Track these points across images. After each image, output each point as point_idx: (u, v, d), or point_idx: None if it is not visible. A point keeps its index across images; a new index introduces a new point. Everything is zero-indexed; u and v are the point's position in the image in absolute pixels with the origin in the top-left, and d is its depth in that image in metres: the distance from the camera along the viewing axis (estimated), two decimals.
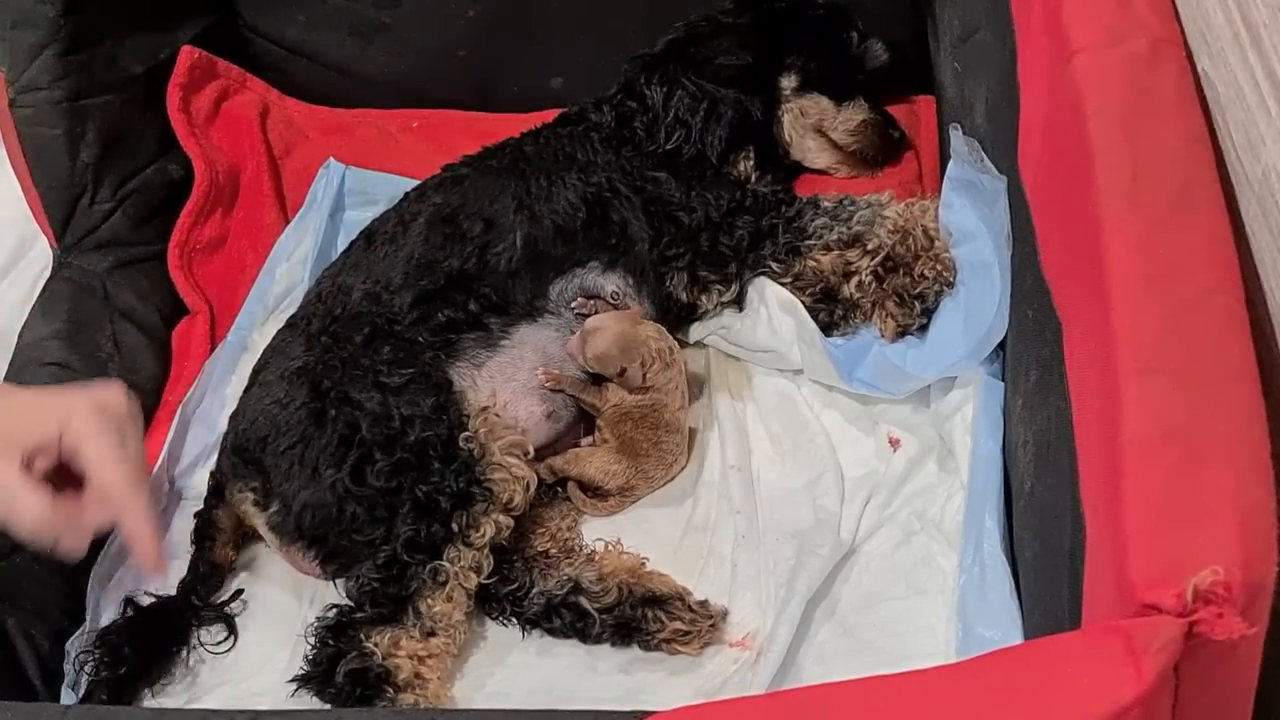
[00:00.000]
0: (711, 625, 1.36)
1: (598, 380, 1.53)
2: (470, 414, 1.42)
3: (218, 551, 1.47)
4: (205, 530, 1.48)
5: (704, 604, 1.38)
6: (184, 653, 1.41)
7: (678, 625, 1.36)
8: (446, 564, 1.35)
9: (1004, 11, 1.32)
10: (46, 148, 1.64)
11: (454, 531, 1.36)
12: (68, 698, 1.37)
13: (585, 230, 1.57)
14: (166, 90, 1.75)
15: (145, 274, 1.71)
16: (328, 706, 1.32)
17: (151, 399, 1.63)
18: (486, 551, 1.37)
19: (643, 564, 1.43)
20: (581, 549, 1.47)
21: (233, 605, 1.46)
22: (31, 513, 1.13)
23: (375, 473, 1.38)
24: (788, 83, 1.75)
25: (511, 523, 1.40)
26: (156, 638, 1.40)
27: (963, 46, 1.54)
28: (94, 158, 1.66)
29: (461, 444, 1.39)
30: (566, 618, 1.39)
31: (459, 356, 1.49)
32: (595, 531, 1.49)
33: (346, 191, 1.83)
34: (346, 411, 1.41)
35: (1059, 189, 1.12)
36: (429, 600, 1.35)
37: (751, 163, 1.71)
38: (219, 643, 1.43)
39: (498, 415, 1.44)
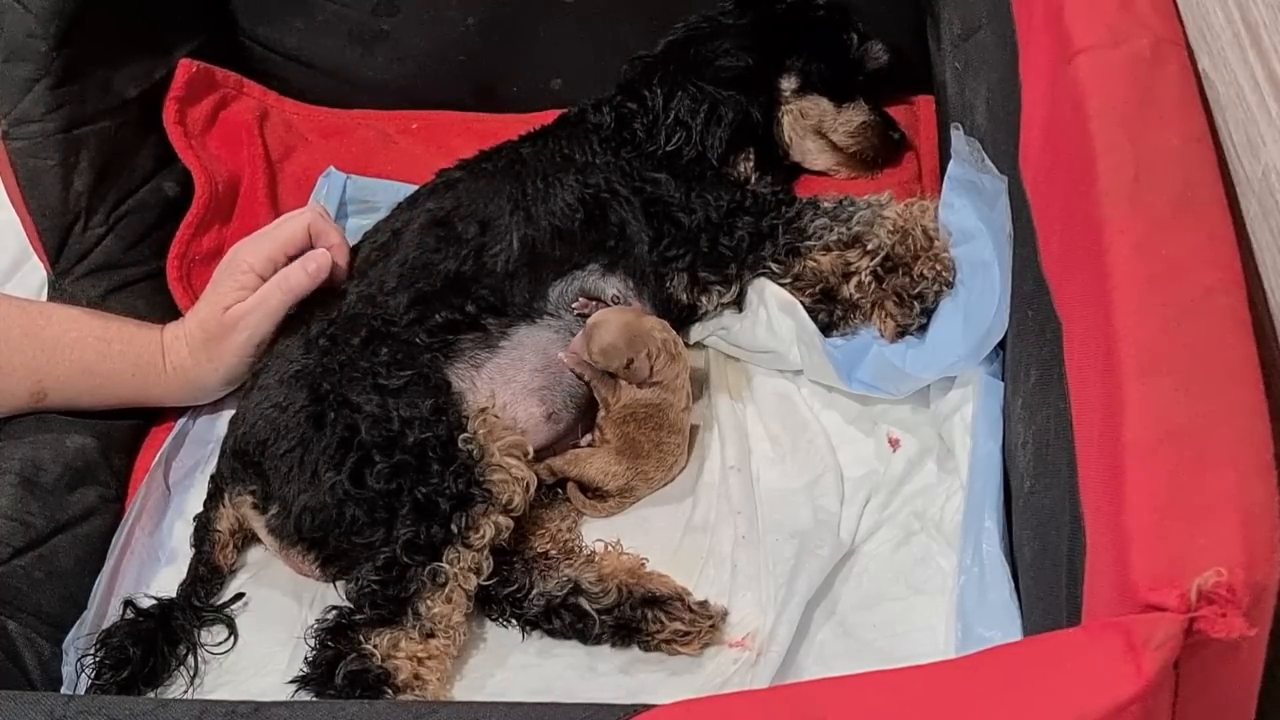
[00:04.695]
0: (711, 625, 1.36)
1: (612, 376, 1.52)
2: (469, 415, 1.42)
3: (217, 554, 1.47)
4: (204, 533, 1.48)
5: (704, 604, 1.38)
6: (185, 653, 1.41)
7: (677, 626, 1.36)
8: (446, 565, 1.35)
9: (1005, 11, 1.32)
10: (40, 178, 1.63)
11: (453, 533, 1.36)
12: None
13: (583, 232, 1.57)
14: (163, 106, 1.73)
15: (140, 295, 1.70)
16: None
17: (151, 412, 1.63)
18: (486, 553, 1.37)
19: (642, 564, 1.43)
20: (581, 550, 1.46)
21: (233, 607, 1.46)
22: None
23: (374, 475, 1.38)
24: (787, 84, 1.75)
25: (511, 524, 1.40)
26: (157, 639, 1.40)
27: (963, 46, 1.53)
28: (88, 185, 1.65)
29: (460, 445, 1.39)
30: (566, 619, 1.39)
31: (458, 358, 1.49)
32: (595, 532, 1.49)
33: (347, 199, 1.83)
34: (345, 414, 1.41)
35: (1060, 189, 1.12)
36: (428, 602, 1.34)
37: (751, 164, 1.70)
38: (219, 643, 1.43)
39: (497, 416, 1.44)
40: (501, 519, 1.38)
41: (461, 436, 1.39)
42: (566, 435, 1.55)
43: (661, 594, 1.38)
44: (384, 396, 1.41)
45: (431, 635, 1.34)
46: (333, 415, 1.41)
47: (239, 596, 1.47)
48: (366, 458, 1.38)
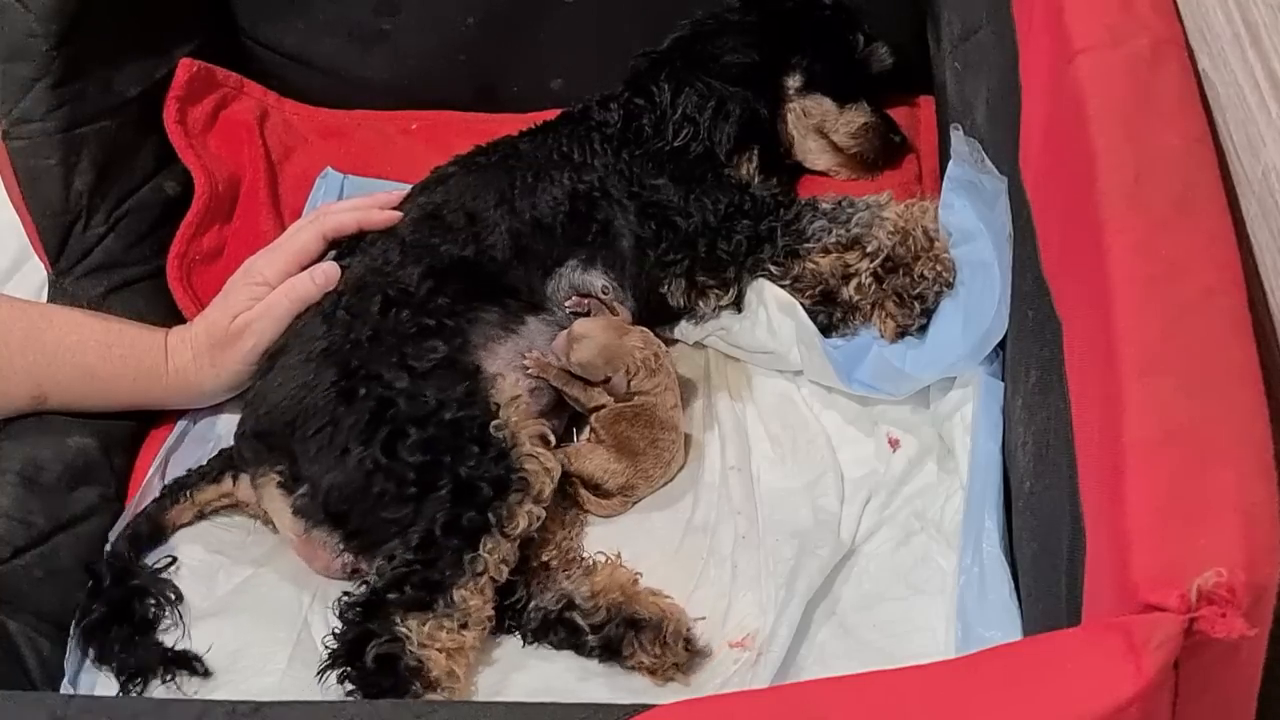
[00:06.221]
0: (676, 666, 1.34)
1: (582, 380, 1.53)
2: (501, 402, 1.41)
3: (172, 512, 1.49)
4: (179, 491, 1.50)
5: (685, 636, 1.34)
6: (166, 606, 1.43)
7: (642, 659, 1.34)
8: (485, 555, 1.33)
9: (1005, 11, 1.32)
10: (41, 178, 1.63)
11: (491, 521, 1.34)
12: None
13: (564, 227, 1.57)
14: (163, 106, 1.73)
15: (140, 294, 1.70)
16: (331, 696, 1.30)
17: (152, 412, 1.63)
18: (516, 545, 1.36)
19: (635, 581, 1.41)
20: (581, 560, 1.45)
21: (168, 570, 1.47)
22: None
23: (408, 446, 1.36)
24: (791, 82, 1.75)
25: (543, 514, 1.38)
26: (133, 610, 1.42)
27: (963, 46, 1.54)
28: (88, 184, 1.65)
29: (494, 431, 1.38)
30: (561, 634, 1.38)
31: (475, 327, 1.49)
32: (599, 532, 1.49)
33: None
34: (376, 388, 1.40)
35: (1060, 189, 1.12)
36: (464, 590, 1.32)
37: (755, 164, 1.70)
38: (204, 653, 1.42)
39: (526, 404, 1.44)
40: (534, 508, 1.37)
41: (493, 423, 1.38)
42: (549, 413, 1.53)
43: (642, 618, 1.35)
44: (413, 379, 1.41)
45: (465, 627, 1.32)
46: (364, 390, 1.40)
47: (174, 561, 1.48)
48: (400, 431, 1.37)
